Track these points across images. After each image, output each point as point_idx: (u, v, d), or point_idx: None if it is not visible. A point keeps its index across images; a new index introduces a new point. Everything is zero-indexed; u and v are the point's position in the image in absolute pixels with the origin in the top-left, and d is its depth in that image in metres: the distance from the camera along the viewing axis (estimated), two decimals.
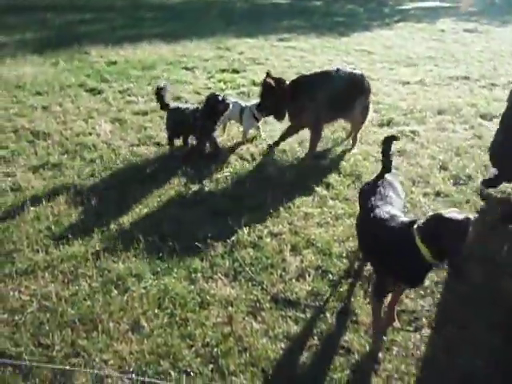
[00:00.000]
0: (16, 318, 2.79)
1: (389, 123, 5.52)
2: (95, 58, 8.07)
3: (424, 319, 2.83)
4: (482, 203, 4.00)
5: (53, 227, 3.56)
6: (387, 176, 2.94)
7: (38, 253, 3.31)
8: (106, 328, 2.73)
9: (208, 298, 2.97)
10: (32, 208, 3.78)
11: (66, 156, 4.67)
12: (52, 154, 4.67)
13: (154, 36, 9.51)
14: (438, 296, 3.01)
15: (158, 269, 3.20)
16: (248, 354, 2.59)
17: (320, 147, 4.87)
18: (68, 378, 2.45)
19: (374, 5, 15.26)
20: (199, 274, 3.16)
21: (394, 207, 2.70)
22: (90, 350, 2.60)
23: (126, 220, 3.70)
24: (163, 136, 5.03)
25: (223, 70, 7.47)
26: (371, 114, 5.53)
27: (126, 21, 11.38)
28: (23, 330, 2.70)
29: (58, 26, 10.45)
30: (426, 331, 2.77)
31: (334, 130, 5.21)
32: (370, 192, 2.84)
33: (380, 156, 3.01)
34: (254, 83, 6.69)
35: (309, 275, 3.16)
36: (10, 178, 4.25)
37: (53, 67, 7.47)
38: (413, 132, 5.26)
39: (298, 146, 4.91)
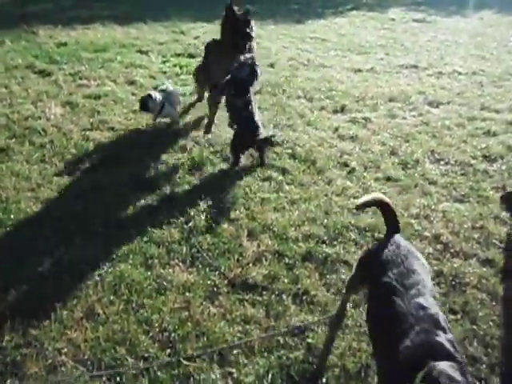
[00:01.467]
0: None
1: (342, 110, 5.63)
2: (44, 38, 7.68)
3: None
4: (428, 186, 4.17)
5: (0, 214, 3.42)
6: (403, 242, 2.25)
7: None
8: (58, 316, 2.67)
9: (165, 283, 2.96)
10: None
11: (13, 140, 4.47)
12: None
13: (107, 17, 9.15)
14: None
15: (114, 256, 3.15)
16: (205, 338, 2.62)
17: (274, 132, 4.92)
18: (20, 368, 2.39)
19: None
20: (156, 261, 3.14)
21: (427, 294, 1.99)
22: (41, 339, 2.54)
23: (78, 207, 3.61)
24: (116, 120, 4.90)
25: (178, 55, 7.32)
26: (326, 101, 5.64)
27: (76, 1, 10.89)
28: None
29: (3, 4, 9.87)
30: None
31: (289, 117, 5.26)
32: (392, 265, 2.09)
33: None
34: None
35: (265, 259, 3.21)
36: None
37: None
38: (365, 119, 5.40)
39: None
